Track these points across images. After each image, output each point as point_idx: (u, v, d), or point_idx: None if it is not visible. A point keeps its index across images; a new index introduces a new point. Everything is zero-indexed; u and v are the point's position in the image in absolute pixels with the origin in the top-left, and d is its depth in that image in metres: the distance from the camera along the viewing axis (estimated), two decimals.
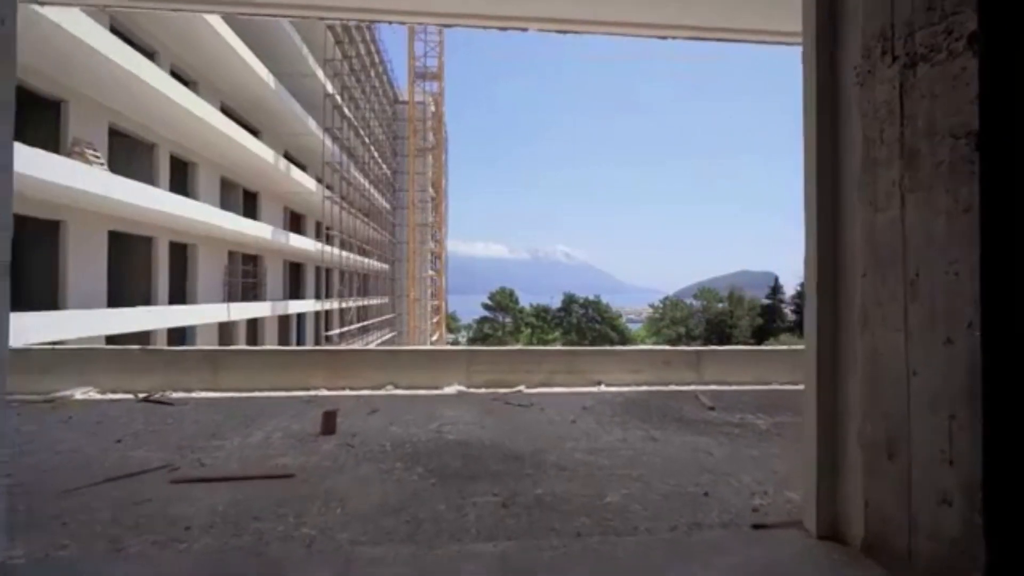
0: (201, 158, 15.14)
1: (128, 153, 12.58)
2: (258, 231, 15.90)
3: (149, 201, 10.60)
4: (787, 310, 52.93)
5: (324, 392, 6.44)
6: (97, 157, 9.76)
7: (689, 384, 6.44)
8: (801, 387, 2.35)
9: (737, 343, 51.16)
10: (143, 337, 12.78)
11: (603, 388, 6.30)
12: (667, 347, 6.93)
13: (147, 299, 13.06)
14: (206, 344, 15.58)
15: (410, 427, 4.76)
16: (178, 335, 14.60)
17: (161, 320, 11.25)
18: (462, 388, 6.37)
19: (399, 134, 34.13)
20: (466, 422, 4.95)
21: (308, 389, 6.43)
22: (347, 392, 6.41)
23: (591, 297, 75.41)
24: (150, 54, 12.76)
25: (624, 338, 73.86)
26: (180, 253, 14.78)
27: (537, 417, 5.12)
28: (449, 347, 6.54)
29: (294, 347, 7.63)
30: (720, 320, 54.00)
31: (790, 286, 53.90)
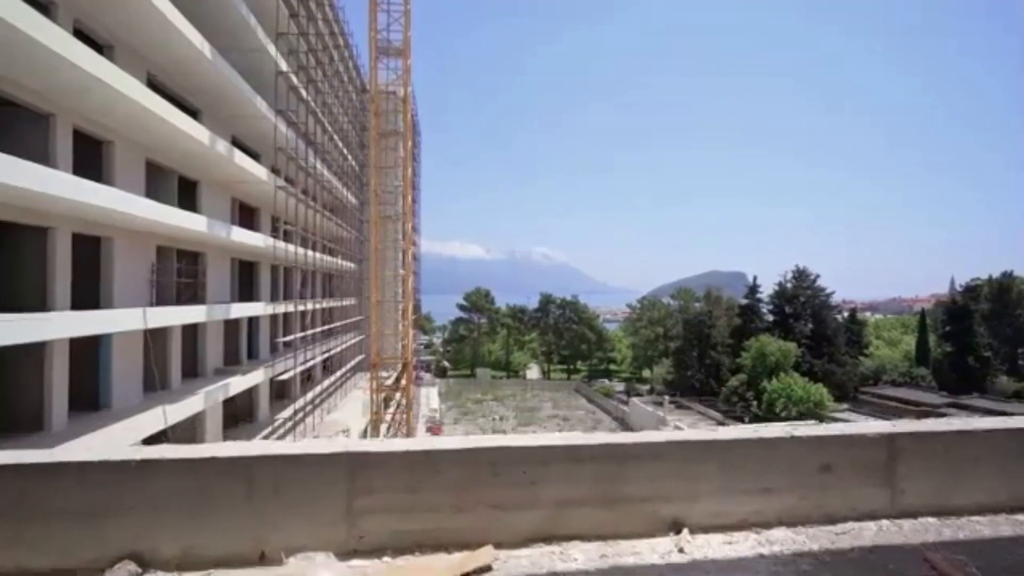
0: (119, 136, 12.80)
1: (9, 123, 10.24)
2: (189, 223, 13.63)
3: (25, 180, 8.37)
4: (765, 310, 52.59)
5: None
6: None
7: (877, 516, 2.69)
8: None
9: (716, 344, 50.46)
10: (34, 351, 10.45)
11: (691, 546, 2.57)
12: (820, 430, 2.47)
13: (41, 303, 10.73)
14: (128, 360, 13.25)
15: None
16: (88, 348, 12.25)
17: (33, 331, 8.95)
18: (331, 571, 2.36)
19: (368, 125, 31.83)
20: None
21: None
22: None
23: (568, 297, 74.24)
24: (44, 6, 10.46)
25: (602, 339, 72.78)
26: (90, 248, 12.43)
27: None
28: (314, 447, 2.01)
29: None
30: (699, 321, 53.28)
31: (766, 286, 53.65)
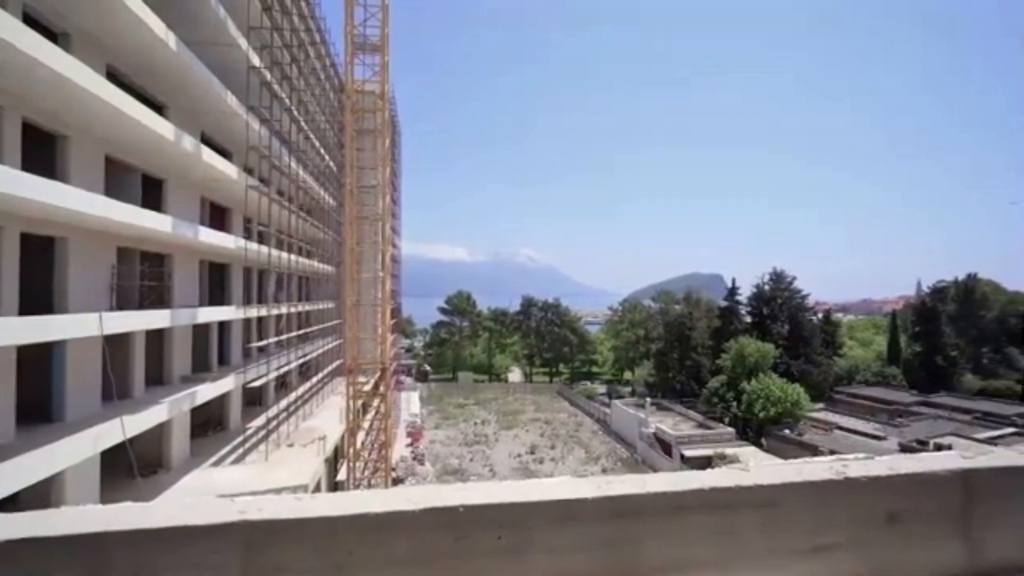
0: (75, 130, 12.05)
1: None
2: (152, 222, 12.92)
3: None
4: (744, 311, 53.31)
5: None
6: None
7: None
8: None
9: (697, 345, 50.92)
10: None
11: None
12: (878, 468, 1.57)
13: None
14: (84, 368, 12.45)
15: None
16: (39, 356, 11.45)
17: None
18: None
19: (346, 124, 31.06)
20: None
21: None
22: None
23: (551, 300, 74.20)
24: None
25: (584, 341, 72.86)
26: (42, 249, 11.65)
27: None
28: (196, 514, 1.03)
29: None
30: (679, 322, 53.72)
31: (745, 288, 54.39)
